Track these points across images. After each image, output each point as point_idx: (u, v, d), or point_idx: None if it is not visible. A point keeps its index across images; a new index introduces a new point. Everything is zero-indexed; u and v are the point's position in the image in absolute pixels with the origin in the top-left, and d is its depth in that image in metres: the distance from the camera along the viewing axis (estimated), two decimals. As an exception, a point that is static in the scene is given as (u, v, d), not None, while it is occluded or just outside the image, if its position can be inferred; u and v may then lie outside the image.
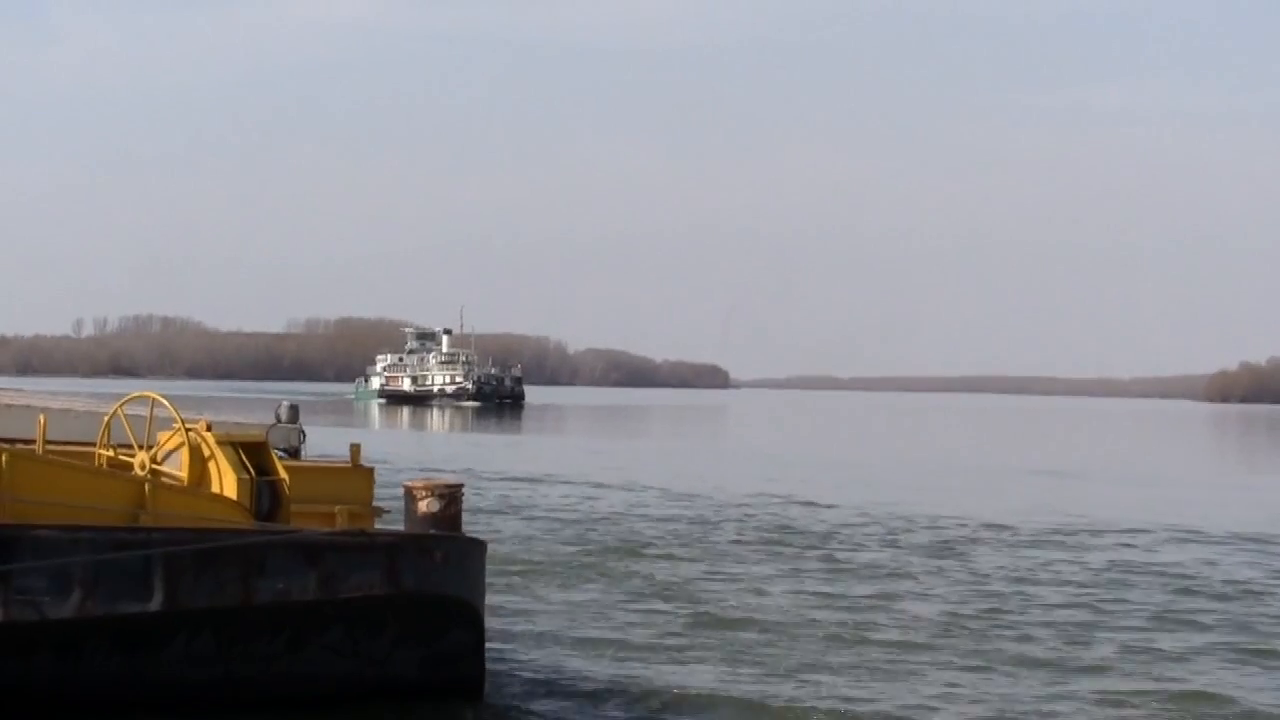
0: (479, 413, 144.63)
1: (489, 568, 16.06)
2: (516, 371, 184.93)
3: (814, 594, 23.10)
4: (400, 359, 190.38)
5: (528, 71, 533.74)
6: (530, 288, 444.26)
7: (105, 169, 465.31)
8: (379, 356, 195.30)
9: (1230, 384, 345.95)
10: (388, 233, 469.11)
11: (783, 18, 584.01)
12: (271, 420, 17.94)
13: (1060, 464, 66.02)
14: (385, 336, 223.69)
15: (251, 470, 15.47)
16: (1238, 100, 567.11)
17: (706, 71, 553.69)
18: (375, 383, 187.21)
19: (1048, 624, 20.96)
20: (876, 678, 17.17)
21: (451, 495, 15.24)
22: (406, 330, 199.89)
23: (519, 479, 44.64)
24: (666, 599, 22.12)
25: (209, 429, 15.68)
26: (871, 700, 16.04)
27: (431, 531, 14.98)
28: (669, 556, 27.04)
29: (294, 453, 17.54)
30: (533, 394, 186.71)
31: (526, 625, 19.49)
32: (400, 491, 15.45)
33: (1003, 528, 33.49)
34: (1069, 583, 25.22)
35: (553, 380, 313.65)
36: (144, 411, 16.00)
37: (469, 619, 15.14)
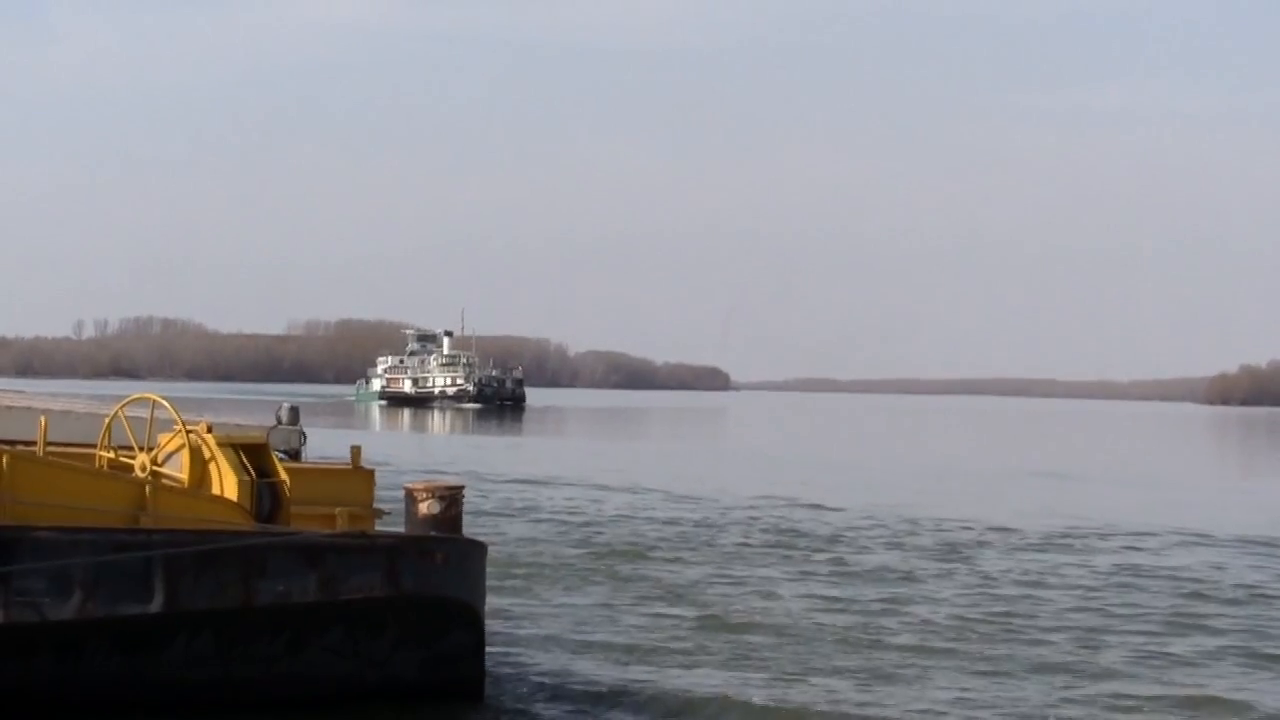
0: (480, 415, 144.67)
1: (493, 570, 15.95)
2: (517, 373, 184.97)
3: (822, 597, 22.93)
4: (401, 361, 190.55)
5: (527, 72, 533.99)
6: (530, 289, 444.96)
7: (105, 169, 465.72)
8: (380, 358, 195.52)
9: (1230, 387, 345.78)
10: (388, 233, 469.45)
11: (782, 18, 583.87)
12: (272, 422, 17.92)
13: (1062, 466, 65.86)
14: (385, 338, 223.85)
15: (252, 472, 15.52)
16: (1238, 100, 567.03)
17: (706, 72, 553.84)
18: (376, 384, 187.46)
19: (1058, 628, 20.78)
20: (887, 682, 17.01)
21: (452, 497, 15.22)
22: (407, 332, 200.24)
23: (521, 481, 44.49)
24: (672, 602, 21.96)
25: (210, 431, 15.72)
26: (882, 705, 15.88)
27: (432, 533, 14.96)
28: (674, 559, 26.87)
29: (294, 454, 17.50)
30: (533, 396, 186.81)
31: (531, 628, 19.33)
32: (401, 493, 15.42)
33: (1009, 531, 33.32)
34: (1078, 586, 25.04)
35: (553, 382, 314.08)
36: (145, 413, 16.08)
37: (469, 621, 15.13)
